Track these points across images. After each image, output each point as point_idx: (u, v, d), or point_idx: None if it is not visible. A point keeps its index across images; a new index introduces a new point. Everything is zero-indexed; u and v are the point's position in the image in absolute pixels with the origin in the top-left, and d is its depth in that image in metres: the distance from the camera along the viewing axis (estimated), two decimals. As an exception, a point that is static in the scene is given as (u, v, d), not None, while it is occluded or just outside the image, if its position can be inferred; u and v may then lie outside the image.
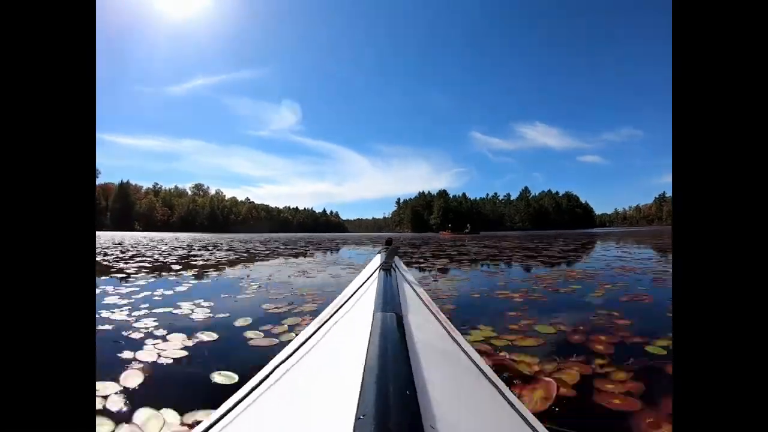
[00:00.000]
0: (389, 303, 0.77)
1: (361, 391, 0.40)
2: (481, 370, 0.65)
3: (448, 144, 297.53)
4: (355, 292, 1.04)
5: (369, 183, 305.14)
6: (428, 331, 0.80)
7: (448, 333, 0.83)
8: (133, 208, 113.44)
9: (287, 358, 0.63)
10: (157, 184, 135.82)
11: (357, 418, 0.35)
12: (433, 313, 0.99)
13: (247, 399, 0.52)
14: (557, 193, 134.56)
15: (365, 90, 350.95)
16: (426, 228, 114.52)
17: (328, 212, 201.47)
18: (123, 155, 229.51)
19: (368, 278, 1.19)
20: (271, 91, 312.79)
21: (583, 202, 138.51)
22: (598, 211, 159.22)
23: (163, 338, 2.21)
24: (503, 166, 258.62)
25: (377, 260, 1.58)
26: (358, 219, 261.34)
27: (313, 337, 0.73)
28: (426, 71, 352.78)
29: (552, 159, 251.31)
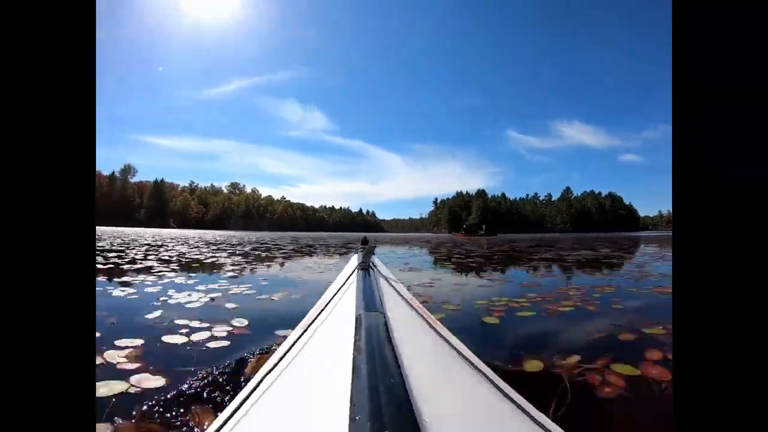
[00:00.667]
0: (371, 302, 0.77)
1: (352, 393, 0.40)
2: (466, 358, 0.66)
3: (482, 143, 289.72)
4: (335, 295, 1.04)
5: (404, 182, 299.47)
6: (411, 325, 0.81)
7: (431, 326, 0.84)
8: (168, 206, 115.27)
9: (274, 367, 0.63)
10: (193, 182, 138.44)
11: (351, 420, 0.35)
12: (414, 307, 0.99)
13: (239, 411, 0.52)
14: (600, 193, 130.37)
15: (397, 89, 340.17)
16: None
17: (364, 212, 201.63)
18: (162, 155, 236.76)
19: (347, 279, 1.19)
20: (304, 92, 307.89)
21: (627, 203, 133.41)
22: (641, 213, 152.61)
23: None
24: (539, 165, 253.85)
25: (355, 260, 1.57)
26: (395, 219, 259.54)
27: (298, 342, 0.73)
28: (460, 70, 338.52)
29: (590, 158, 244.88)
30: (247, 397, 0.55)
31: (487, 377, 0.60)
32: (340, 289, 1.09)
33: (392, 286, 1.21)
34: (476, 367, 0.63)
